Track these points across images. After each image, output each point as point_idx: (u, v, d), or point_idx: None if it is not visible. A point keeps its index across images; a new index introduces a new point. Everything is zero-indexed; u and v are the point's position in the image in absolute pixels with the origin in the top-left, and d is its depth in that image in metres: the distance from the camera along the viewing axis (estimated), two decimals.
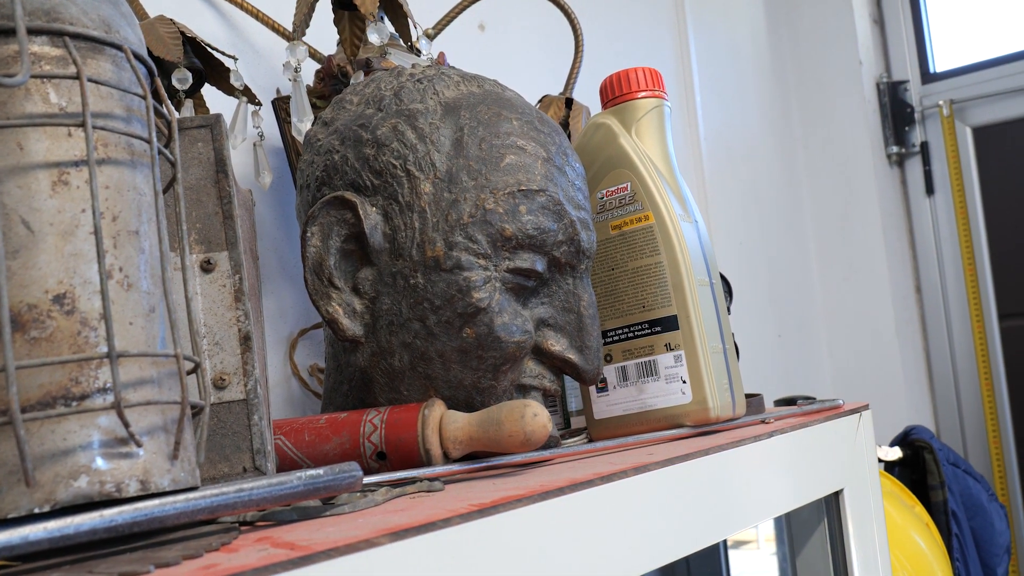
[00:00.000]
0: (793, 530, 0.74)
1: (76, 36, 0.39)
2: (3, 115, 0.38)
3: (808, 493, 0.66)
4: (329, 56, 0.83)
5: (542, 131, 0.60)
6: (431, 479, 0.49)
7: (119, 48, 0.41)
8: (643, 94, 0.70)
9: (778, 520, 0.85)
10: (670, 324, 0.65)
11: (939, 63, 2.08)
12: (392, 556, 0.36)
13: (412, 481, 0.50)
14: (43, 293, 0.38)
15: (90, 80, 0.39)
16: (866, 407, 0.75)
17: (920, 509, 1.18)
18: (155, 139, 0.41)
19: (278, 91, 0.90)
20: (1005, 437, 1.92)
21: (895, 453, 1.27)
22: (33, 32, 0.38)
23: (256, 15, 0.88)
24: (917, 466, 1.23)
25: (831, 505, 0.71)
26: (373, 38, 0.68)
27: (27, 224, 0.38)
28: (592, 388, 0.68)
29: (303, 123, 0.68)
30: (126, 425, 0.37)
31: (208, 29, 0.90)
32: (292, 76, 0.69)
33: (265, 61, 0.96)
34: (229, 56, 0.76)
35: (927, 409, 2.01)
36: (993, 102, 1.97)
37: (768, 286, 1.83)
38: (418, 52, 0.73)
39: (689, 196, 0.70)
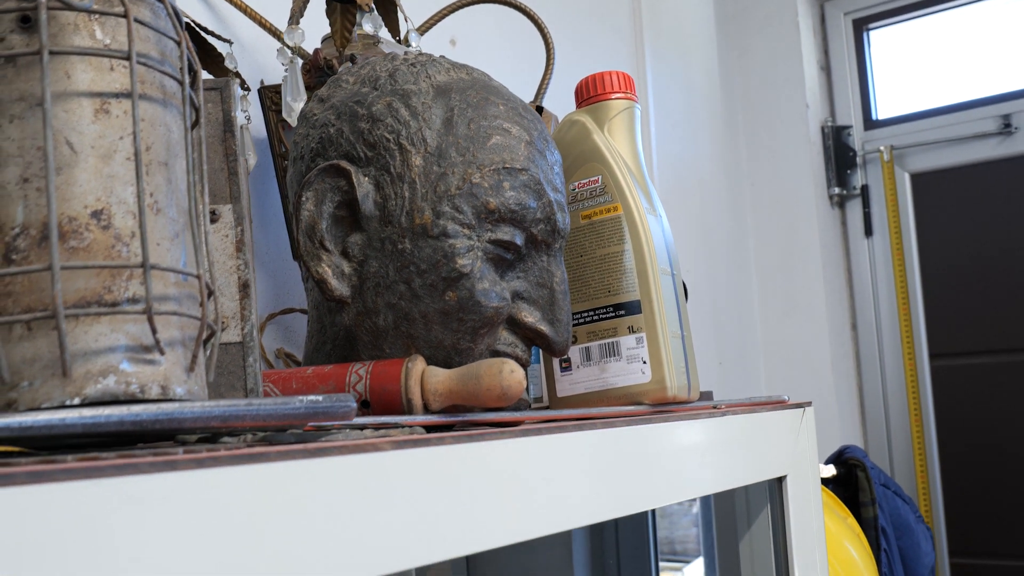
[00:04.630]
0: (737, 518, 0.79)
1: None
2: (55, 46, 0.41)
3: (754, 474, 0.71)
4: (316, 49, 0.87)
5: (525, 117, 0.64)
6: (411, 426, 0.53)
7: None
8: (616, 95, 0.75)
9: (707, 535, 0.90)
10: (633, 308, 0.70)
11: (882, 111, 2.19)
12: (392, 459, 0.40)
13: (395, 426, 0.54)
14: (83, 208, 0.41)
15: (135, 20, 0.43)
16: (809, 404, 0.81)
17: (852, 521, 1.23)
18: (187, 81, 0.45)
19: (262, 82, 0.93)
20: (931, 470, 2.00)
21: (829, 471, 1.32)
22: None
23: (243, 9, 0.92)
24: (850, 484, 1.29)
25: (774, 491, 0.76)
26: (367, 27, 0.72)
27: (71, 145, 0.41)
28: (556, 367, 0.73)
29: (297, 103, 0.72)
30: (154, 331, 0.40)
31: (195, 19, 0.94)
32: (289, 58, 0.73)
33: (248, 54, 0.99)
34: (224, 40, 0.80)
35: (858, 442, 2.08)
36: (931, 150, 2.08)
37: (712, 314, 1.89)
38: (408, 45, 0.77)
39: (654, 192, 0.75)
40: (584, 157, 0.73)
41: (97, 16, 0.42)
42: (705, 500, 0.99)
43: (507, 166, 0.61)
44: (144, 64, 0.43)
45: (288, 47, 0.74)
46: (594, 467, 0.53)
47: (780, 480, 0.75)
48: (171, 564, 0.30)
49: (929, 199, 2.08)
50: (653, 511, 1.02)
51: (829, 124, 2.16)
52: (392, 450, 0.40)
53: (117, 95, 0.42)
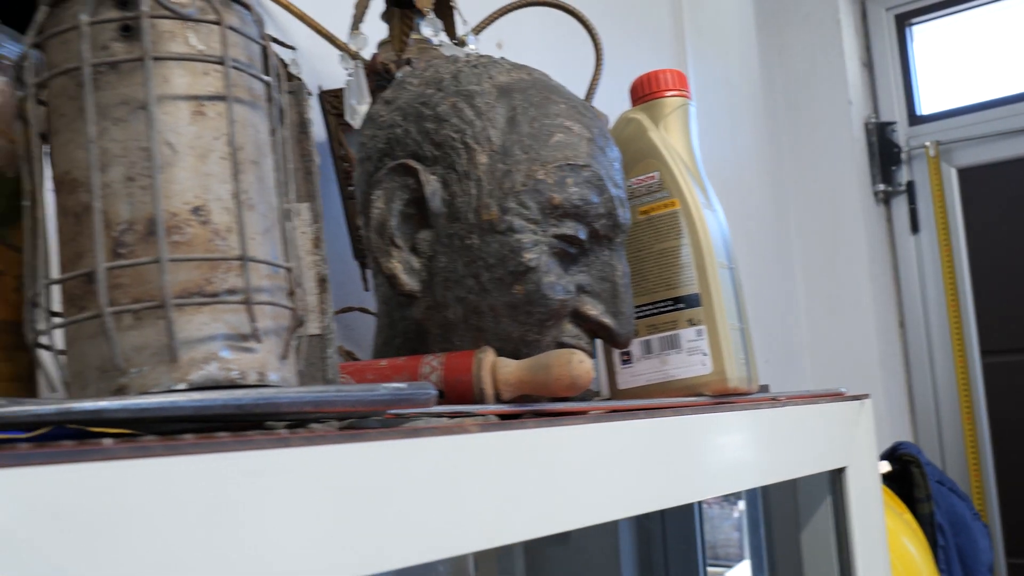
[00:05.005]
0: (799, 509, 0.80)
1: None
2: (155, 53, 0.44)
3: (814, 464, 0.72)
4: (374, 54, 0.89)
5: (586, 115, 0.66)
6: (484, 414, 0.55)
7: (246, 7, 0.47)
8: (671, 93, 0.76)
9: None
10: (693, 301, 0.71)
11: (926, 106, 2.18)
12: (479, 441, 0.42)
13: (468, 415, 0.55)
14: (183, 204, 0.43)
15: (226, 27, 0.45)
16: (867, 396, 0.81)
17: (909, 517, 1.23)
18: (273, 83, 0.47)
19: (320, 87, 0.96)
20: (985, 468, 1.99)
21: (884, 467, 1.32)
22: None
23: (301, 17, 0.94)
24: (905, 480, 1.29)
25: (835, 481, 0.77)
26: (427, 31, 0.74)
27: (171, 145, 0.43)
28: (616, 360, 0.74)
29: (361, 106, 0.74)
30: (253, 319, 0.43)
31: None
32: (353, 62, 0.75)
33: (305, 60, 1.02)
34: (288, 47, 0.82)
35: (909, 440, 2.07)
36: (978, 144, 2.06)
37: (756, 314, 1.89)
38: (464, 47, 0.79)
39: (710, 187, 0.77)
40: (641, 154, 0.75)
41: (192, 24, 0.45)
42: (753, 499, 1.00)
43: (570, 162, 0.63)
44: (235, 68, 0.45)
45: (350, 53, 0.76)
46: (661, 454, 0.54)
47: (840, 472, 0.76)
48: (283, 529, 0.33)
49: (977, 194, 2.07)
50: (701, 513, 1.03)
51: (873, 120, 2.15)
52: (479, 432, 0.42)
53: (211, 98, 0.45)
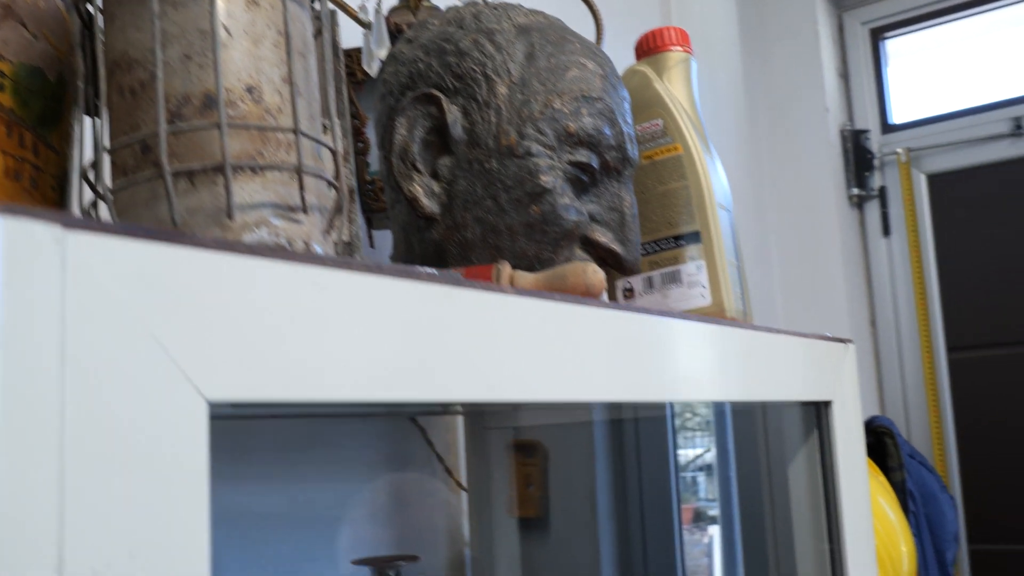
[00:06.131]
0: (786, 438, 0.83)
1: None
2: None
3: (802, 392, 0.75)
4: (386, 17, 0.92)
5: (598, 55, 0.70)
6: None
7: None
8: (674, 48, 0.80)
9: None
10: (693, 238, 0.75)
11: (898, 115, 2.25)
12: (510, 301, 0.45)
13: None
14: (237, 82, 0.46)
15: None
16: (851, 341, 0.85)
17: (884, 479, 1.27)
18: None
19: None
20: (950, 461, 2.04)
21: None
22: None
23: None
24: (879, 451, 1.33)
25: (822, 415, 0.80)
26: None
27: (227, 29, 0.46)
28: (620, 296, 0.77)
29: (382, 51, 0.77)
30: (302, 190, 0.45)
31: None
32: (376, 8, 0.78)
33: None
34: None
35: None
36: (946, 152, 2.13)
37: None
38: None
39: (710, 139, 0.81)
40: (646, 103, 0.79)
41: None
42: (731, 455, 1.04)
43: (585, 94, 0.67)
44: None
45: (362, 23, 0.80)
46: (661, 353, 0.58)
47: (827, 405, 0.79)
48: (335, 339, 0.36)
49: (945, 199, 2.14)
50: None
51: (848, 128, 2.21)
52: (512, 295, 0.45)
53: None
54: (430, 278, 0.41)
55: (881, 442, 1.33)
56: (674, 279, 0.74)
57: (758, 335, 0.69)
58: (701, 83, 0.79)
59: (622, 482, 1.10)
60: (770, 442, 0.87)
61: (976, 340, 2.07)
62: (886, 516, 1.19)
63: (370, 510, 0.97)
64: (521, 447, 1.10)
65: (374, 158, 0.89)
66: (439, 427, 1.08)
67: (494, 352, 0.43)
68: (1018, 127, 2.05)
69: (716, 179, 0.77)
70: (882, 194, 2.20)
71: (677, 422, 1.12)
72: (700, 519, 1.14)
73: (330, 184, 0.49)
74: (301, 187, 0.45)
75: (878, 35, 2.30)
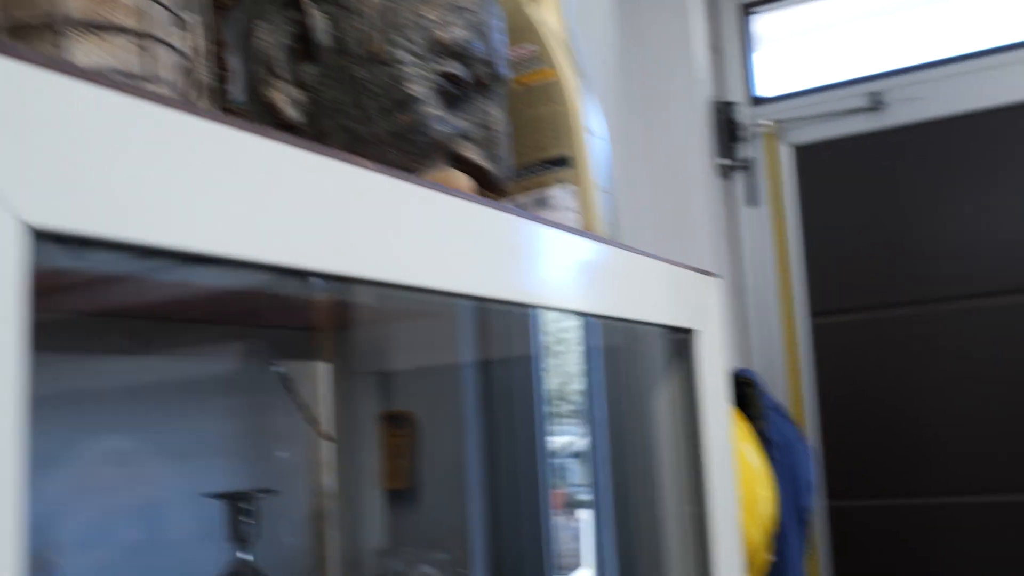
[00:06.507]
0: (650, 368, 0.84)
1: None
2: None
3: (670, 316, 0.76)
4: None
5: None
6: None
7: None
8: None
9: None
10: (563, 163, 0.75)
11: (766, 88, 2.31)
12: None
13: None
14: None
15: None
16: (719, 276, 0.87)
17: (747, 426, 1.31)
18: None
19: None
20: (811, 420, 2.12)
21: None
22: None
23: None
24: (741, 401, 1.37)
25: (687, 344, 0.81)
26: None
27: None
28: None
29: None
30: (148, 58, 0.42)
31: None
32: None
33: None
34: None
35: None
36: (810, 124, 2.21)
37: None
38: None
39: (580, 65, 0.80)
40: (519, 28, 0.78)
41: None
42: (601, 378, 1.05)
43: (457, 5, 0.65)
44: None
45: None
46: (528, 255, 0.57)
47: (690, 333, 0.80)
48: (179, 183, 0.34)
49: (809, 170, 2.21)
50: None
51: (718, 100, 2.27)
52: (373, 171, 0.43)
53: None
54: (283, 138, 0.39)
55: (744, 392, 1.38)
56: (544, 203, 0.74)
57: (627, 255, 0.69)
58: (580, 51, 0.80)
59: (491, 429, 1.10)
60: (638, 373, 0.88)
61: (838, 305, 2.16)
62: (750, 461, 1.22)
63: (230, 449, 0.93)
64: (393, 419, 1.09)
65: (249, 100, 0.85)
66: (304, 374, 1.05)
67: (348, 225, 0.42)
68: (877, 101, 2.14)
69: (587, 106, 0.77)
70: (749, 165, 2.26)
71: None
72: (562, 454, 1.15)
73: (183, 56, 0.46)
74: (144, 56, 0.43)
75: (747, 10, 2.36)
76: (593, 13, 2.08)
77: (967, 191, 2.07)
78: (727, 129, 2.25)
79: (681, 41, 2.23)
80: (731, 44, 2.33)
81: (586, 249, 0.64)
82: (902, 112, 2.14)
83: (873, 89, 2.16)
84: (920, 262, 2.10)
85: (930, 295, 2.08)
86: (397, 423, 1.09)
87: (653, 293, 0.74)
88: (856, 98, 2.18)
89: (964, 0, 2.15)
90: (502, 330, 0.97)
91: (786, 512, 1.33)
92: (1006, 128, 2.04)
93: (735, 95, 2.31)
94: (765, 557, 1.26)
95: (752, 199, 2.26)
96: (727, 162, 2.25)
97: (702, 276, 0.83)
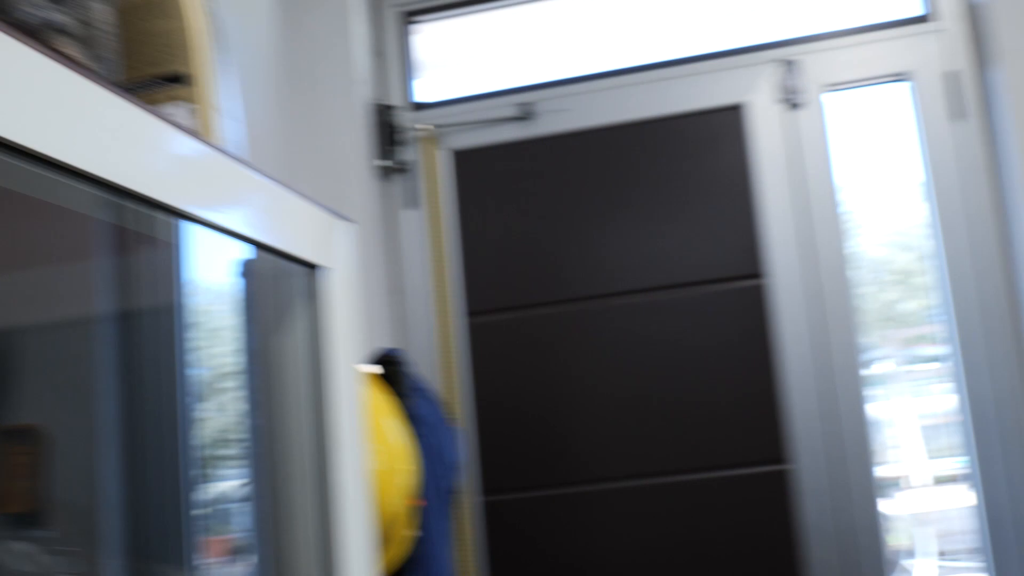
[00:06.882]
0: (282, 304, 0.81)
1: None
2: None
3: (300, 248, 0.73)
4: None
5: None
6: None
7: None
8: None
9: None
10: (180, 80, 0.70)
11: (426, 94, 2.37)
12: None
13: None
14: None
15: None
16: (353, 221, 0.85)
17: (393, 403, 1.30)
18: None
19: None
20: (466, 414, 2.18)
21: (376, 369, 1.39)
22: None
23: None
24: (388, 380, 1.36)
25: (316, 280, 0.79)
26: None
27: None
28: None
29: None
30: None
31: None
32: None
33: None
34: None
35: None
36: (467, 131, 2.29)
37: None
38: None
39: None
40: None
41: None
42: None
43: None
44: None
45: None
46: (152, 150, 0.52)
47: (320, 270, 0.78)
48: None
49: (466, 174, 2.29)
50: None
51: (379, 103, 2.28)
52: None
53: None
54: None
55: (391, 371, 1.37)
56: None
57: (259, 178, 0.66)
58: (236, 43, 0.75)
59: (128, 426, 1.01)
60: (275, 307, 0.84)
61: (492, 304, 2.24)
62: (392, 435, 1.22)
63: None
64: (11, 434, 0.96)
65: None
66: None
67: None
68: (527, 112, 2.26)
69: (213, 22, 0.73)
70: (408, 168, 2.29)
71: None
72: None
73: None
74: None
75: (408, 18, 2.41)
76: (256, 9, 2.03)
77: (604, 197, 2.23)
78: (387, 132, 2.28)
79: (341, 43, 2.23)
80: (392, 50, 2.37)
81: (201, 154, 0.59)
82: (550, 122, 2.27)
83: (524, 100, 2.27)
84: (565, 264, 2.23)
85: (572, 294, 2.21)
86: (18, 439, 0.96)
87: (286, 222, 0.71)
88: (508, 107, 2.28)
89: (609, 20, 2.34)
90: (137, 273, 0.88)
91: (430, 490, 1.34)
92: (641, 140, 2.23)
93: (396, 99, 2.34)
94: (406, 532, 1.26)
95: (411, 201, 2.29)
96: (387, 163, 2.27)
97: (333, 216, 0.81)
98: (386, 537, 1.18)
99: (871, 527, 2.04)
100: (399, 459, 1.22)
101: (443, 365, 2.22)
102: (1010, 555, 1.99)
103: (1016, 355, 2.02)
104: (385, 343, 2.15)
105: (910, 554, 4.54)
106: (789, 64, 2.17)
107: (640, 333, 2.18)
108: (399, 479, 1.21)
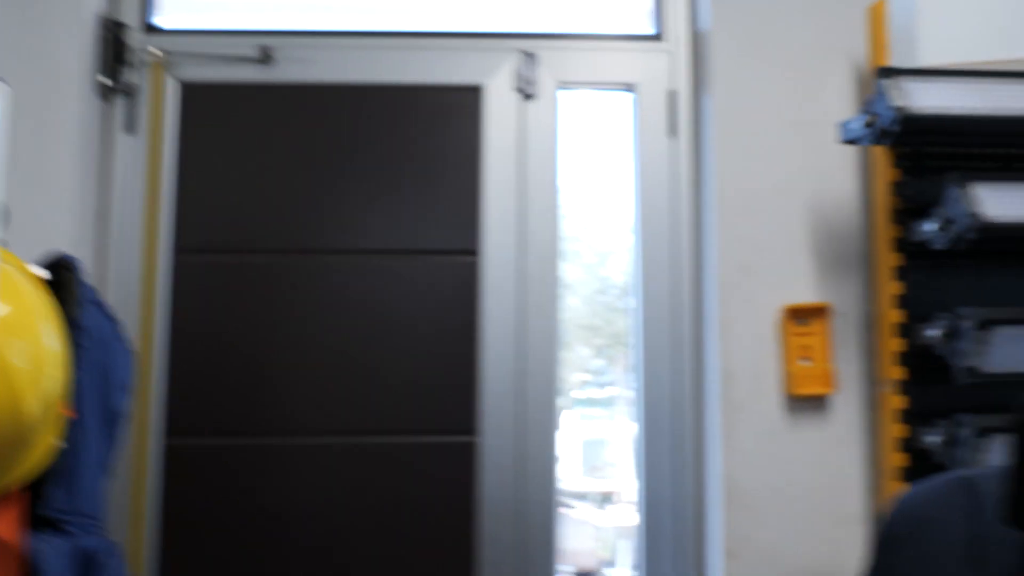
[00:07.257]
0: None
1: None
2: None
3: None
4: None
5: None
6: None
7: None
8: None
9: None
10: None
11: (165, 20, 2.26)
12: None
13: None
14: None
15: None
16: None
17: (58, 310, 1.23)
18: None
19: None
20: (156, 355, 2.10)
21: (43, 273, 1.31)
22: None
23: None
24: (58, 288, 1.28)
25: None
26: None
27: None
28: None
29: None
30: None
31: None
32: None
33: None
34: None
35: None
36: (203, 63, 2.21)
37: None
38: None
39: None
40: None
41: None
42: None
43: None
44: None
45: None
46: None
47: None
48: None
49: (195, 108, 2.21)
50: None
51: (108, 17, 2.17)
52: None
53: None
54: None
55: (63, 277, 1.30)
56: None
57: None
58: None
59: None
60: None
61: (205, 245, 2.17)
62: (47, 338, 1.16)
63: None
64: None
65: None
66: None
67: None
68: (267, 55, 2.21)
69: None
70: (133, 91, 2.18)
71: None
72: None
73: None
74: None
75: None
76: None
77: (337, 154, 2.22)
78: (115, 50, 2.16)
79: None
80: None
81: None
82: (289, 71, 2.23)
83: (265, 43, 2.22)
84: (287, 215, 2.19)
85: (292, 245, 2.19)
86: None
87: None
88: (248, 48, 2.22)
89: None
90: None
91: (90, 406, 1.28)
92: (381, 104, 2.24)
93: (130, 18, 2.22)
94: (51, 441, 1.20)
95: (131, 127, 2.18)
96: (109, 82, 2.15)
97: None
98: (25, 441, 1.12)
99: (545, 503, 2.15)
100: (49, 364, 1.16)
101: (144, 297, 2.12)
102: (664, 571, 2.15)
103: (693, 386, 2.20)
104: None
105: (611, 563, 4.83)
106: (529, 56, 2.26)
107: (352, 293, 2.19)
108: (46, 384, 1.15)
